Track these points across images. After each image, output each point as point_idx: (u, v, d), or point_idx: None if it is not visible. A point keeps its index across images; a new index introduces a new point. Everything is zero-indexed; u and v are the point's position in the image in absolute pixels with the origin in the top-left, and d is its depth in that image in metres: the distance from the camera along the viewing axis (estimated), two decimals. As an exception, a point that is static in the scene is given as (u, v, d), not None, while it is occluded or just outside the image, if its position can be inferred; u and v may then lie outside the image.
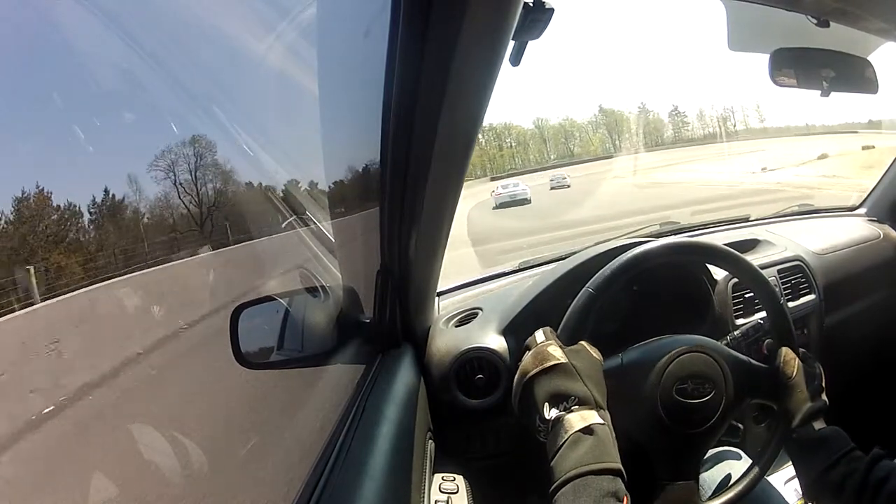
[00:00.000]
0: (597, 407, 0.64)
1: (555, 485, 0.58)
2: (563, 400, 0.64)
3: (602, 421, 0.62)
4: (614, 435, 0.63)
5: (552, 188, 15.22)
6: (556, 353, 0.68)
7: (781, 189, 8.43)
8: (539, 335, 0.73)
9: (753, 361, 0.78)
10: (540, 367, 0.67)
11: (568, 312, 0.76)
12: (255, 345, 0.79)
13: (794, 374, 0.75)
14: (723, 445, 0.91)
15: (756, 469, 0.78)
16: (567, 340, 0.72)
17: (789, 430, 0.75)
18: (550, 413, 0.64)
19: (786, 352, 0.77)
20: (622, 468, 0.59)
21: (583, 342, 0.72)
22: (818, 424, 0.74)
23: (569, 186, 15.19)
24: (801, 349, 0.79)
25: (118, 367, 1.91)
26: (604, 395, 0.67)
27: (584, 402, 0.63)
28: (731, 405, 0.75)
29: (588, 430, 0.60)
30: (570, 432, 0.60)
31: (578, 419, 0.61)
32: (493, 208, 12.13)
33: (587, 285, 0.77)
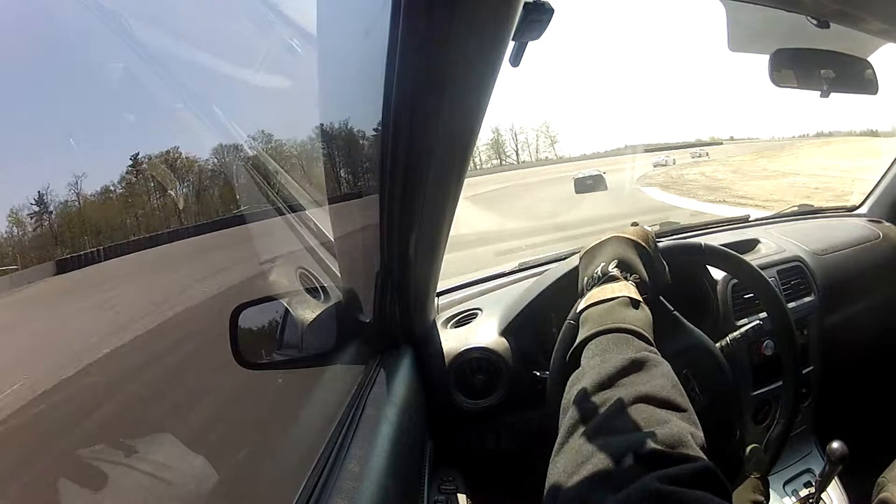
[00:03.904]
0: (644, 300, 0.64)
1: (599, 329, 0.57)
2: (629, 270, 0.66)
3: (648, 311, 0.63)
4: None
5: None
6: (653, 246, 0.73)
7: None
8: (648, 228, 0.77)
9: (744, 437, 0.78)
10: (637, 240, 0.71)
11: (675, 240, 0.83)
12: (255, 345, 0.79)
13: (761, 475, 0.76)
14: None
15: None
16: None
17: None
18: (614, 270, 0.66)
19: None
20: None
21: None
22: None
23: None
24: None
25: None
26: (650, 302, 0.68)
27: (641, 286, 0.65)
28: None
29: (636, 304, 0.61)
30: (623, 293, 0.62)
31: (634, 291, 0.63)
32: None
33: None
